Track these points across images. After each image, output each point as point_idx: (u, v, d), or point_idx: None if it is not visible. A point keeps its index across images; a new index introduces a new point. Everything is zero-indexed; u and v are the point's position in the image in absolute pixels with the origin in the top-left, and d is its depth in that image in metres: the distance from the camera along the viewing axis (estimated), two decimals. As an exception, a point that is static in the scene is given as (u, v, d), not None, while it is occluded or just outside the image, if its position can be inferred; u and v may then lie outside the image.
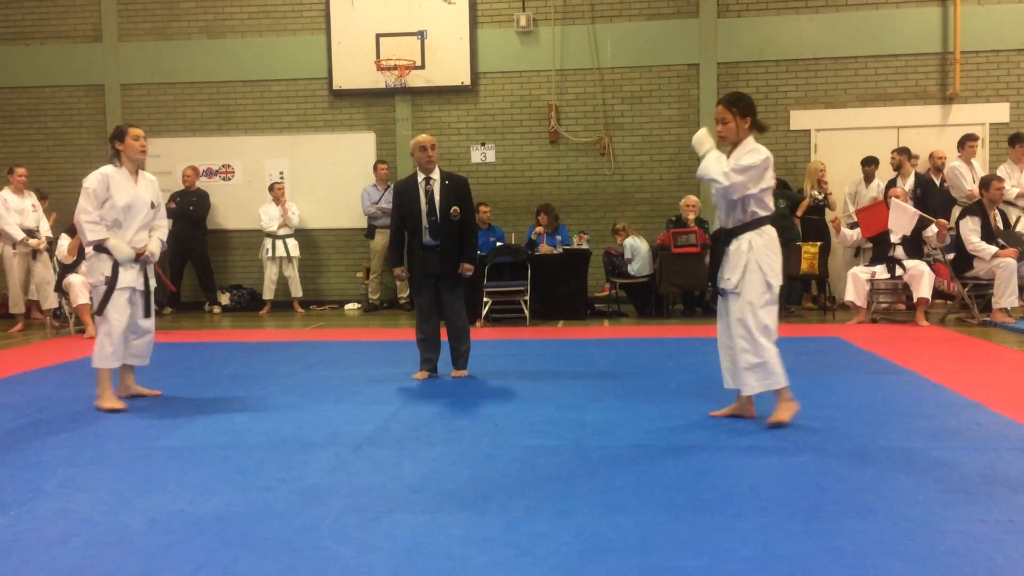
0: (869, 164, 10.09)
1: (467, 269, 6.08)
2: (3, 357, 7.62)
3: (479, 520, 3.17)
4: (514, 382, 5.93)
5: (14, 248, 9.35)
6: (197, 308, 11.32)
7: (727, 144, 4.61)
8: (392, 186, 10.55)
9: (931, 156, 10.42)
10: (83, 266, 5.30)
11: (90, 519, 3.25)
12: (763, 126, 4.65)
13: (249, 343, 8.33)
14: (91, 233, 5.20)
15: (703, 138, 4.63)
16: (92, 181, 5.25)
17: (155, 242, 5.50)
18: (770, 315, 4.51)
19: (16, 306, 9.56)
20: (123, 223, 5.26)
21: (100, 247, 5.22)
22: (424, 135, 6.12)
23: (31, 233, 9.34)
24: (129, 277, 5.26)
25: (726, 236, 4.60)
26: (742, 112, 4.53)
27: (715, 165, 4.49)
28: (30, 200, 9.56)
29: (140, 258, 5.33)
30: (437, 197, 5.94)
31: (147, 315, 5.43)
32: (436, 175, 6.01)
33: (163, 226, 5.62)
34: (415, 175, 6.05)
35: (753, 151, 4.49)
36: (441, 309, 6.08)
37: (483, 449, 4.16)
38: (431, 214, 5.95)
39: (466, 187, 6.14)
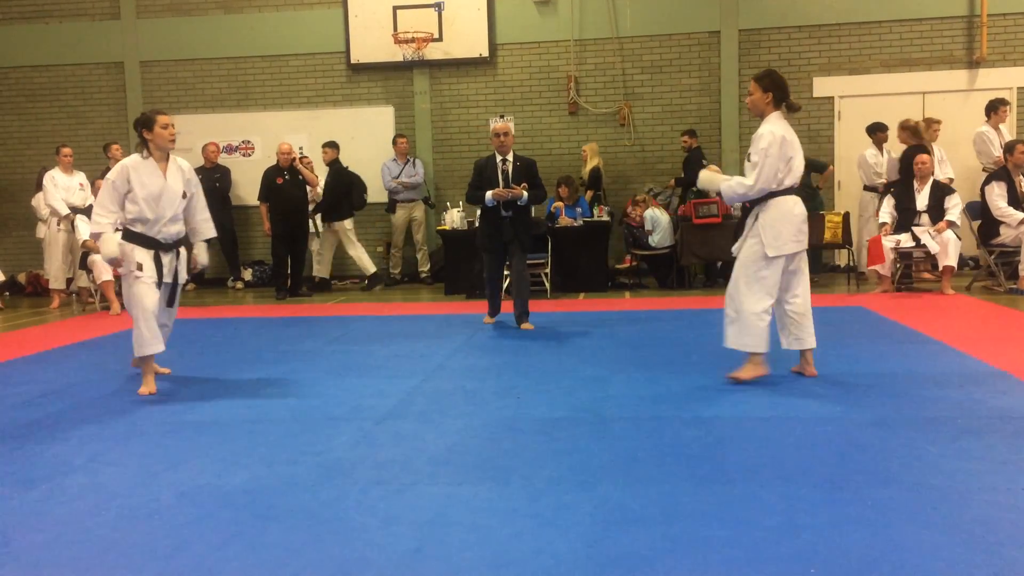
0: (879, 131, 9.76)
1: (517, 191, 6.88)
2: (33, 334, 7.74)
3: (502, 491, 3.19)
4: (536, 354, 5.95)
5: (59, 225, 9.51)
6: (220, 284, 11.41)
7: (755, 115, 4.92)
8: (411, 158, 10.78)
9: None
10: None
11: (120, 493, 3.30)
12: (793, 105, 4.81)
13: (272, 318, 8.39)
14: (95, 224, 5.08)
15: (710, 178, 5.02)
16: (113, 173, 5.11)
17: (202, 249, 5.42)
18: (760, 281, 4.70)
19: (56, 281, 9.73)
20: (149, 216, 5.05)
21: (126, 235, 5.07)
22: (500, 123, 7.03)
23: (76, 211, 9.44)
24: (166, 270, 5.14)
25: (745, 211, 5.00)
26: (764, 87, 4.74)
27: (735, 184, 4.79)
28: (78, 179, 9.67)
29: (179, 252, 5.22)
30: (511, 175, 6.96)
31: (171, 304, 5.31)
32: (511, 156, 7.02)
33: (207, 227, 5.42)
34: (494, 156, 7.05)
35: (761, 136, 4.69)
36: (509, 270, 7.32)
37: (505, 421, 4.18)
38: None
39: (534, 166, 7.15)
